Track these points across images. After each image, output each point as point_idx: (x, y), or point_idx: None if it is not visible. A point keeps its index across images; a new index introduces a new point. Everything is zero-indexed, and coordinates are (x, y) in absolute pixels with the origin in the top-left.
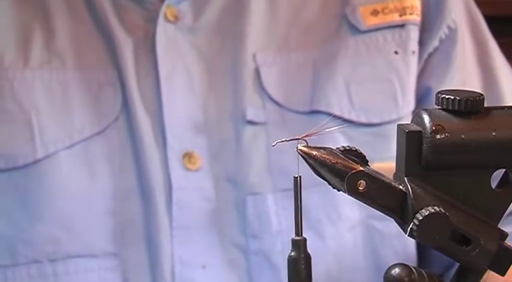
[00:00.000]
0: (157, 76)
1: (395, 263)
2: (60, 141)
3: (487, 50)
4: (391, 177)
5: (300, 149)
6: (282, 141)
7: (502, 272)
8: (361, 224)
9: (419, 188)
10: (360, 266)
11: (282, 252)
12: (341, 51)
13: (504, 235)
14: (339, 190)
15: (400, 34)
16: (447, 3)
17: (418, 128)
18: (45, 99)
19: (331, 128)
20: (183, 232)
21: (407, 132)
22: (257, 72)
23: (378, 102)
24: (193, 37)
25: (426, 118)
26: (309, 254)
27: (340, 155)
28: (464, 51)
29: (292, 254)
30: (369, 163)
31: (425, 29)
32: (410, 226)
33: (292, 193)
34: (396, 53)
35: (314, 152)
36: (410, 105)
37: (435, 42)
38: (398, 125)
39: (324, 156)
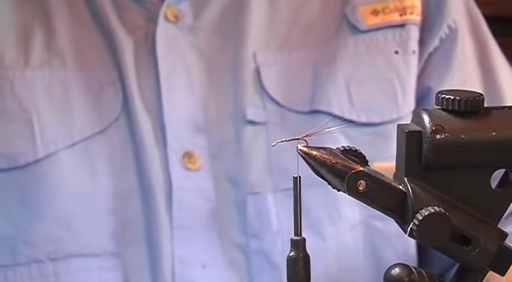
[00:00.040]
0: (157, 76)
1: (395, 263)
2: (61, 140)
3: (487, 50)
4: (391, 177)
5: (300, 149)
6: (282, 141)
7: (502, 272)
8: (362, 224)
9: (419, 188)
10: (360, 266)
11: (282, 252)
12: (341, 50)
13: (504, 235)
14: (338, 190)
15: (401, 34)
16: (447, 3)
17: (418, 128)
18: (46, 98)
19: (331, 127)
20: (183, 232)
21: (407, 132)
22: (257, 71)
23: (378, 101)
24: (194, 37)
25: (426, 118)
26: (307, 254)
27: (340, 155)
28: (465, 51)
29: (291, 254)
30: (369, 163)
31: (426, 28)
32: (410, 226)
33: (292, 193)
34: (396, 52)
35: (314, 152)
36: (411, 105)
37: (435, 42)
38: (398, 125)
39: (324, 156)
